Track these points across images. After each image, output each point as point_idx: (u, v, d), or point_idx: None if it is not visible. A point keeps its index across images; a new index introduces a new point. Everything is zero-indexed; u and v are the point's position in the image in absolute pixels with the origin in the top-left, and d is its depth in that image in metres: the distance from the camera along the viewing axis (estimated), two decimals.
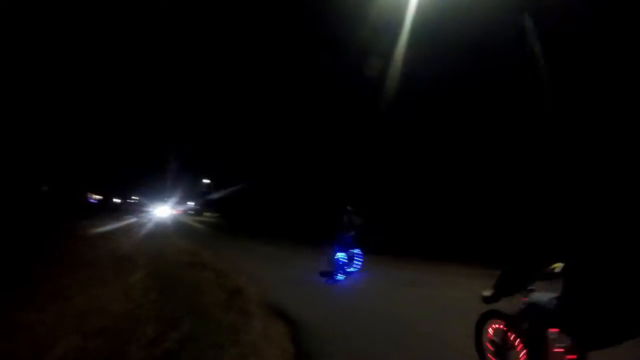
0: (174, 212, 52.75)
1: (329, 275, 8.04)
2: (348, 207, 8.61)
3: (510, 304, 2.61)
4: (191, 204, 63.96)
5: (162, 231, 19.28)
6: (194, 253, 11.11)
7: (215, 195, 52.26)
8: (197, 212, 57.21)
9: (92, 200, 48.17)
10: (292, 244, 15.87)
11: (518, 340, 2.58)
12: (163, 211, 47.56)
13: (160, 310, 5.11)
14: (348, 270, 8.20)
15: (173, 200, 58.22)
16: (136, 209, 51.36)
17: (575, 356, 2.10)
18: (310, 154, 25.81)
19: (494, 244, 10.48)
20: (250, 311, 4.75)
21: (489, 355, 2.96)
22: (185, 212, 56.77)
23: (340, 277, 7.84)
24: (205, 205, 56.73)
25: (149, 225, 23.19)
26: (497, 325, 2.88)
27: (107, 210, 36.19)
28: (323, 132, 24.60)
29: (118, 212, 37.76)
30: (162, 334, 4.23)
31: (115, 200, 60.86)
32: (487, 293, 2.51)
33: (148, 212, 45.25)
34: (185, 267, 8.34)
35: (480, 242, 11.93)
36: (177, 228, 23.57)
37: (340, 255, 8.01)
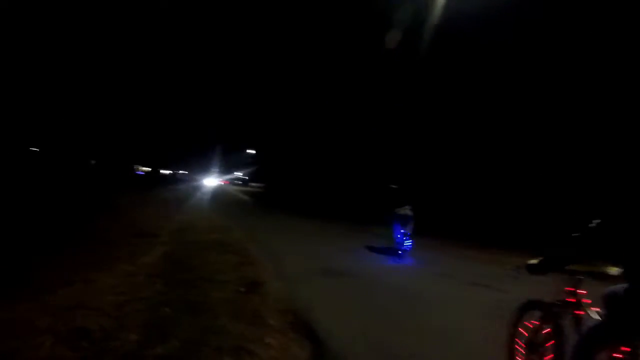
0: (221, 182, 53.62)
1: (392, 252, 8.18)
2: (392, 185, 9.68)
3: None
4: (238, 174, 64.88)
5: (200, 203, 18.80)
6: (226, 229, 10.23)
7: (261, 167, 52.31)
8: (244, 183, 57.88)
9: (139, 173, 50.06)
10: (334, 221, 14.63)
11: (552, 333, 2.42)
12: (210, 182, 48.31)
13: (156, 307, 4.07)
14: (405, 248, 8.11)
15: (220, 171, 59.24)
16: (184, 180, 52.71)
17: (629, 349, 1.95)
18: (352, 130, 25.02)
19: (545, 230, 9.22)
20: (267, 320, 3.50)
21: (517, 352, 2.71)
22: (231, 183, 57.64)
23: (401, 254, 7.94)
24: (252, 176, 57.18)
25: (191, 197, 22.96)
26: (533, 320, 2.62)
27: (153, 182, 37.02)
28: (365, 110, 23.60)
29: (165, 184, 38.56)
30: (142, 347, 3.12)
31: (163, 172, 63.11)
32: (534, 261, 2.39)
33: (195, 183, 46.07)
34: (208, 247, 7.39)
35: (529, 228, 11.18)
36: (218, 199, 23.17)
37: (402, 232, 8.07)
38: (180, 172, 67.19)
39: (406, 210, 8.23)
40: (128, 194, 20.67)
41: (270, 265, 5.98)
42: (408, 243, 8.07)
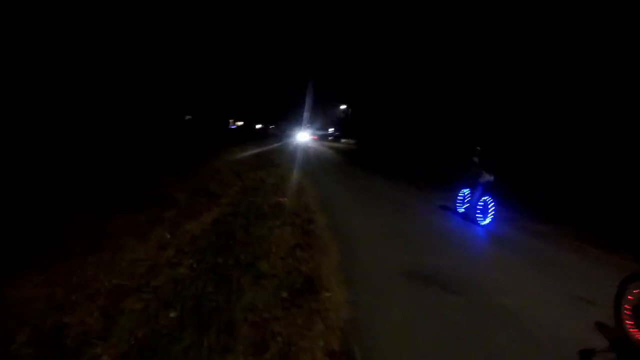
0: (311, 137, 53.30)
1: (491, 233, 7.35)
2: (477, 147, 8.28)
3: None
4: (329, 130, 64.30)
5: (283, 158, 17.89)
6: (299, 191, 8.96)
7: (352, 122, 50.76)
8: (334, 139, 57.10)
9: (232, 127, 52.08)
10: (422, 183, 12.58)
11: None
12: (300, 137, 48.18)
13: (161, 308, 3.09)
14: (485, 219, 7.71)
15: (311, 126, 58.98)
16: (275, 134, 53.50)
17: None
18: (448, 87, 23.20)
19: None
20: None
21: (625, 319, 3.04)
22: (321, 138, 57.15)
23: (481, 221, 7.66)
24: (343, 131, 56.03)
25: (276, 151, 22.33)
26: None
27: (245, 136, 37.65)
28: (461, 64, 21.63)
29: (256, 137, 39.08)
30: None
31: (256, 126, 65.10)
32: None
33: (285, 137, 46.25)
34: (269, 215, 6.11)
35: None
36: (303, 155, 22.15)
37: (485, 198, 7.73)
38: (272, 126, 68.67)
39: (488, 177, 7.87)
40: (216, 148, 20.64)
41: (335, 252, 4.40)
42: (492, 210, 7.62)
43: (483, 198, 7.73)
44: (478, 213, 7.72)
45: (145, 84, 25.90)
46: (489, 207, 7.59)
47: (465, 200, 8.42)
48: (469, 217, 8.03)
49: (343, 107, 60.64)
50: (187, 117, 37.02)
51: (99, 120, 20.24)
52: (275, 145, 29.78)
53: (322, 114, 61.63)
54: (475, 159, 8.14)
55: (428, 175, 15.07)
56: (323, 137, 60.19)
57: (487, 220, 7.57)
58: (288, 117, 64.57)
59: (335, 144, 47.18)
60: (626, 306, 3.05)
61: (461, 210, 8.50)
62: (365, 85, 41.93)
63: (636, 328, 2.94)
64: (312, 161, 19.85)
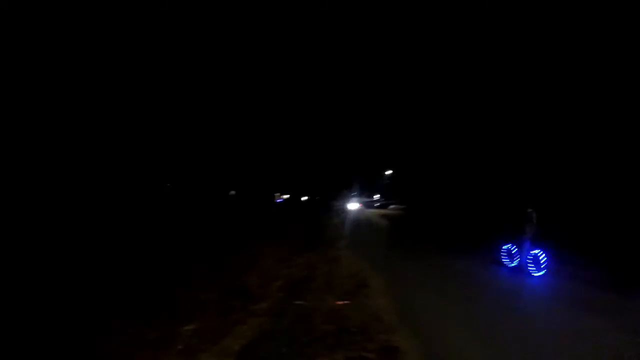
0: (359, 206, 51.53)
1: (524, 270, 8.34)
2: (510, 182, 9.06)
3: None
4: (376, 197, 62.47)
5: (336, 232, 16.24)
6: (362, 284, 6.98)
7: (399, 187, 48.92)
8: (382, 206, 55.00)
9: (279, 200, 51.81)
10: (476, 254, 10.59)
11: None
12: (349, 206, 46.72)
13: None
14: (538, 270, 8.06)
15: (357, 194, 57.65)
16: (322, 205, 52.44)
17: None
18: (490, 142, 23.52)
19: None
20: None
21: None
22: (368, 206, 55.12)
23: (536, 272, 8.01)
24: (390, 197, 53.97)
25: (326, 225, 20.78)
26: None
27: (291, 209, 36.74)
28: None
29: (303, 210, 38.07)
30: None
31: (302, 198, 64.76)
32: None
33: (333, 208, 44.86)
34: (328, 337, 4.29)
35: None
36: (352, 228, 20.33)
37: (536, 252, 8.11)
38: (317, 197, 68.04)
39: (534, 227, 8.32)
40: (261, 225, 19.52)
41: None
42: (544, 261, 7.99)
43: (533, 252, 8.20)
44: (531, 265, 8.18)
45: (191, 160, 26.17)
46: (540, 259, 8.03)
47: (514, 255, 8.88)
48: (522, 269, 8.48)
49: (388, 172, 59.28)
50: (232, 192, 37.19)
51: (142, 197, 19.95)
52: (324, 217, 28.27)
53: (367, 181, 60.51)
54: (530, 212, 8.34)
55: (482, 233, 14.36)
56: (370, 205, 58.29)
57: (541, 272, 8.02)
58: (333, 187, 64.00)
59: (383, 211, 45.09)
60: None
61: (513, 264, 8.92)
62: (409, 148, 40.84)
63: None
64: (365, 235, 17.97)
